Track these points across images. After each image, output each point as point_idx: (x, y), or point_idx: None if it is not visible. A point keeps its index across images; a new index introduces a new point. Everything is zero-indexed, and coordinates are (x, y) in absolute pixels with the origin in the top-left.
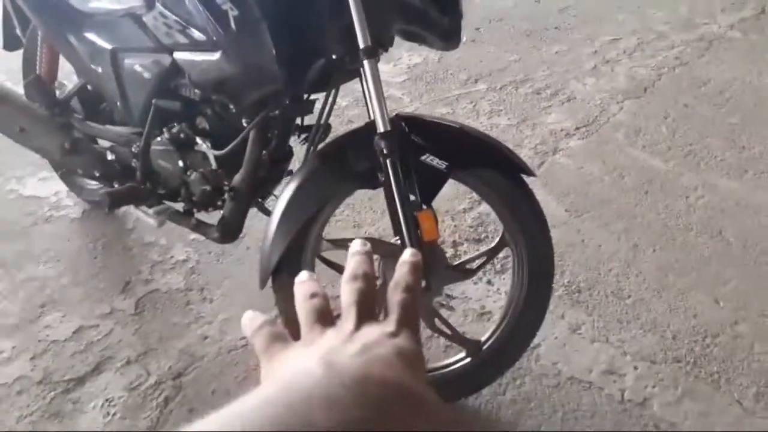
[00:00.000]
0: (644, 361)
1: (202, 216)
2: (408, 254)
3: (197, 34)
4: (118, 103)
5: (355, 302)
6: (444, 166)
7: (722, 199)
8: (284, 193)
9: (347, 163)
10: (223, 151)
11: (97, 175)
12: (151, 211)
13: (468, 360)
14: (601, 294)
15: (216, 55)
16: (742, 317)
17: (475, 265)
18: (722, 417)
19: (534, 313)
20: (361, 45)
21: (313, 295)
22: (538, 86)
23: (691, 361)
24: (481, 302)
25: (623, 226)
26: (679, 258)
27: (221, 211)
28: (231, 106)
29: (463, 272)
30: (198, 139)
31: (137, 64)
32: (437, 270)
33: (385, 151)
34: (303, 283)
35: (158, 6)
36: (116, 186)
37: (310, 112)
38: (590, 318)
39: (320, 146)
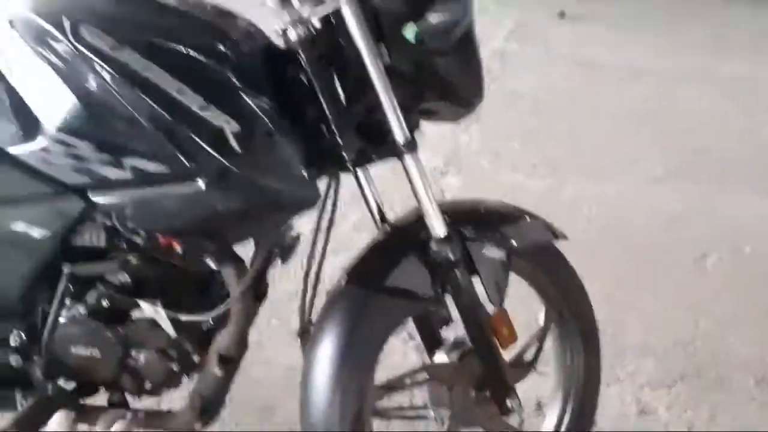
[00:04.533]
0: (662, 389)
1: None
2: None
3: (151, 165)
4: None
5: None
6: (504, 255)
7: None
8: (320, 350)
9: (396, 283)
10: (210, 314)
11: None
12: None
13: None
14: None
15: (195, 186)
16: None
17: (530, 355)
18: (751, 418)
19: (594, 382)
20: (401, 140)
21: None
22: None
23: (693, 374)
24: None
25: None
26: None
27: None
28: (203, 246)
29: (526, 367)
30: (143, 303)
31: (17, 222)
32: None
33: (451, 258)
34: None
35: (49, 134)
36: None
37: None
38: None
39: (348, 271)
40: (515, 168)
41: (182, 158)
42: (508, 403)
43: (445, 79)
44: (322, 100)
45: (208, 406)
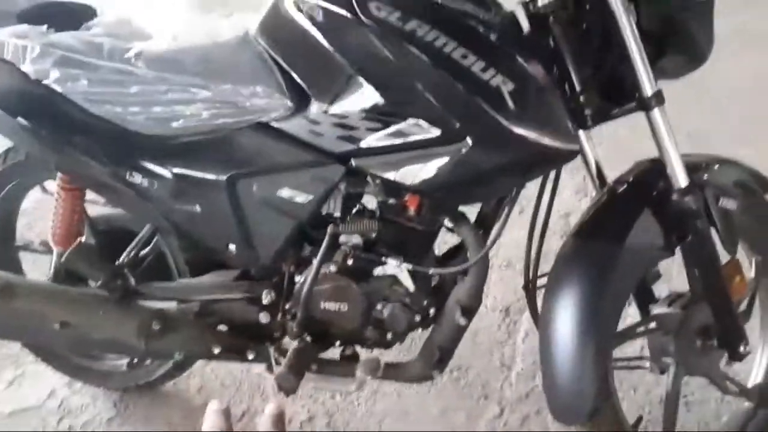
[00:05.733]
0: None
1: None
2: (269, 409)
3: (422, 129)
4: (230, 246)
5: None
6: (735, 205)
7: None
8: (562, 304)
9: (635, 234)
10: (452, 269)
11: (217, 351)
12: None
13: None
14: None
15: (462, 145)
16: None
17: (743, 306)
18: None
19: None
20: (648, 92)
21: None
22: None
23: None
24: None
25: None
26: None
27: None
28: (446, 206)
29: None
30: (390, 260)
31: (283, 188)
32: None
33: (693, 208)
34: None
35: (319, 107)
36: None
37: None
38: None
39: (580, 226)
40: None
41: (454, 119)
42: (742, 348)
43: (687, 33)
44: (567, 61)
45: (445, 355)
